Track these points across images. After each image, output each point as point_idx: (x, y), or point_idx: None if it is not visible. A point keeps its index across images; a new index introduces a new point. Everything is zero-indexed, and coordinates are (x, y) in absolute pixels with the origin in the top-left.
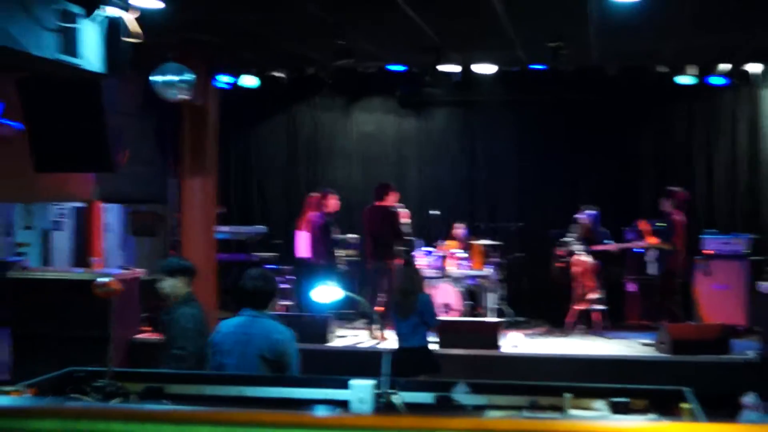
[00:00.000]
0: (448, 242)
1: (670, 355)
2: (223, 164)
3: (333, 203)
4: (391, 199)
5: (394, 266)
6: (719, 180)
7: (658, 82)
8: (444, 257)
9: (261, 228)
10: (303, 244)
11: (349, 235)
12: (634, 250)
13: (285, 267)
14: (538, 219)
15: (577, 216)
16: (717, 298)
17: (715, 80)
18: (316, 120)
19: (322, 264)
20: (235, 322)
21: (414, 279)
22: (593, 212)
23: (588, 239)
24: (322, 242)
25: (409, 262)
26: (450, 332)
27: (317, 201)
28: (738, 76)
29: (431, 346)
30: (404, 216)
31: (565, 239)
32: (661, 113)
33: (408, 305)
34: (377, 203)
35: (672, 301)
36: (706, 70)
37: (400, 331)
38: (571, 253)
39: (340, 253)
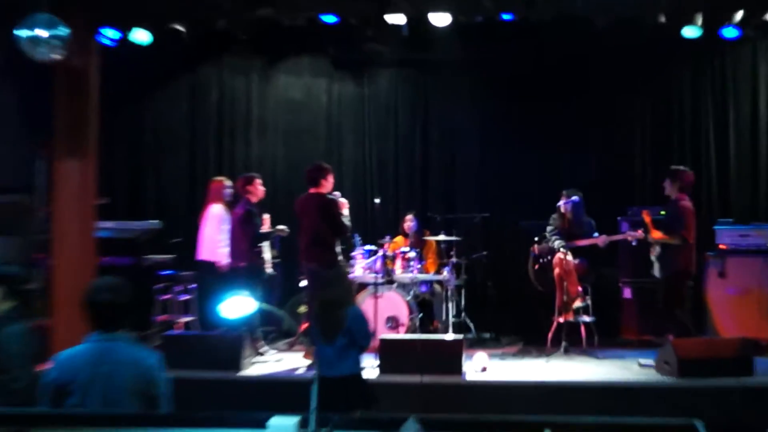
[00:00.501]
0: (394, 239)
1: (676, 378)
2: (107, 143)
3: (261, 190)
4: (328, 185)
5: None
6: (735, 157)
7: (657, 35)
8: (389, 258)
9: (154, 223)
10: (208, 243)
11: (280, 227)
12: (633, 243)
13: (185, 273)
14: (508, 208)
15: (559, 204)
16: (735, 305)
17: (728, 32)
18: (227, 86)
19: (241, 268)
20: (84, 353)
21: (341, 287)
22: (575, 198)
23: (570, 232)
24: (244, 240)
25: (333, 264)
26: (396, 354)
27: (242, 185)
28: (756, 26)
29: (365, 374)
30: (342, 206)
31: (543, 234)
32: (661, 74)
33: (333, 322)
34: (312, 190)
35: (681, 310)
36: (717, 20)
37: (324, 355)
38: (551, 251)
39: (267, 253)
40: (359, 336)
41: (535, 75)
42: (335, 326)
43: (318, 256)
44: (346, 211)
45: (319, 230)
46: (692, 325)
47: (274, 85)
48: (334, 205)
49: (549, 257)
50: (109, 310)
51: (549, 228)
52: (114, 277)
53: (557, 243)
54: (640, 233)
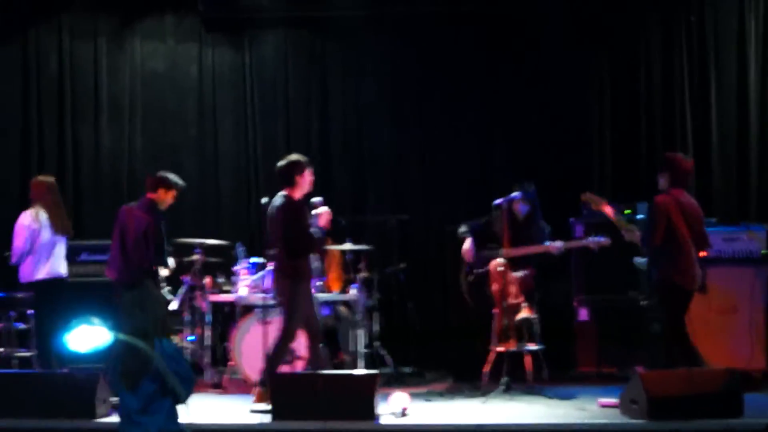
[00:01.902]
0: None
1: (645, 421)
2: None
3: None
4: (305, 184)
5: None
6: (719, 139)
7: None
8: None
9: None
10: (56, 257)
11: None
12: (595, 250)
13: (19, 294)
14: (432, 207)
15: (498, 201)
16: (718, 328)
17: None
18: (68, 54)
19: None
20: None
21: (149, 313)
22: (522, 193)
23: (517, 237)
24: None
25: (137, 282)
26: (293, 395)
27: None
28: None
29: None
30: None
31: (464, 229)
32: (624, 36)
33: (137, 362)
34: (287, 191)
35: (669, 338)
36: None
37: (125, 407)
38: (486, 260)
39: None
40: (174, 380)
41: (461, 34)
42: (140, 367)
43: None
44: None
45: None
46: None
47: (128, 52)
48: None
49: (485, 267)
50: None
51: (462, 228)
52: None
53: (493, 252)
54: (606, 240)
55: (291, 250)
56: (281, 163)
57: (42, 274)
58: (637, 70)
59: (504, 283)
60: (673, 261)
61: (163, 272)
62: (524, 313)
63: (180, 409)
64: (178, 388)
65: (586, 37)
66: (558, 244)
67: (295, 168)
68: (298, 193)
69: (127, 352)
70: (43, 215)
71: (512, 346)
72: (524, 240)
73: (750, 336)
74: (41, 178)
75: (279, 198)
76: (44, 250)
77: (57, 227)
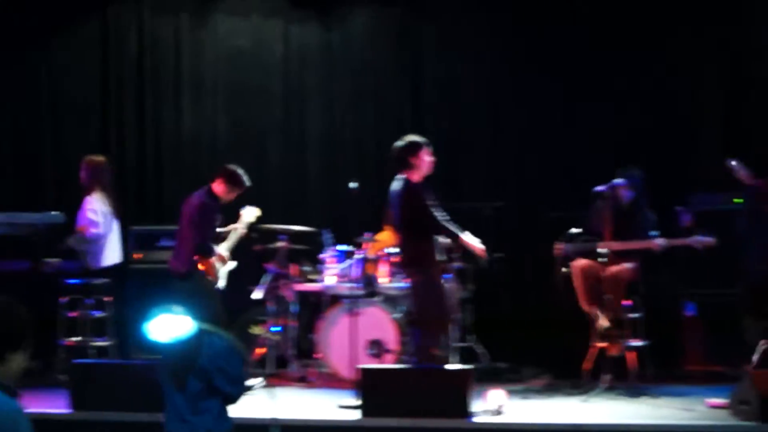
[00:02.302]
0: (379, 236)
1: (757, 423)
2: None
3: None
4: (424, 166)
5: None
6: None
7: None
8: (370, 262)
9: (56, 215)
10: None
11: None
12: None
13: (98, 281)
14: (530, 195)
15: (600, 188)
16: None
17: None
18: (149, 31)
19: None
20: None
21: (198, 306)
22: (630, 179)
23: (620, 230)
24: (197, 238)
25: (188, 272)
26: (383, 391)
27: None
28: None
29: None
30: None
31: (575, 230)
32: (724, 27)
33: (182, 359)
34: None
35: None
36: None
37: (172, 405)
38: (580, 253)
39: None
40: (222, 380)
41: (570, 7)
42: (185, 364)
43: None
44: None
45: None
46: None
47: (211, 30)
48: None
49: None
50: None
51: (573, 230)
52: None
53: (592, 243)
54: (711, 240)
55: (415, 234)
56: (395, 145)
57: (114, 258)
58: (746, 56)
59: (606, 280)
60: None
61: (218, 263)
62: (602, 322)
63: (229, 408)
64: (225, 388)
65: (701, 20)
66: (660, 241)
67: (408, 150)
68: (416, 176)
69: (168, 349)
70: (106, 198)
71: (615, 352)
72: (628, 230)
73: None
74: (96, 158)
75: (397, 182)
76: (113, 234)
77: (116, 210)
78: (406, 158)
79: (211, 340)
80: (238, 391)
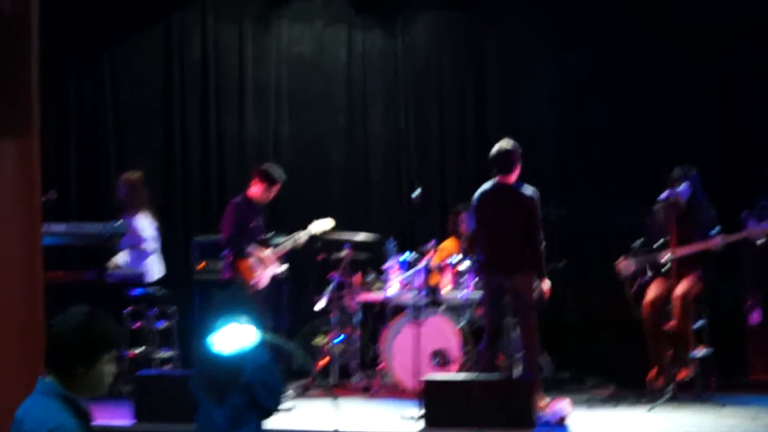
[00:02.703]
0: (443, 244)
1: None
2: (54, 116)
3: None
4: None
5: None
6: None
7: None
8: (434, 270)
9: (120, 225)
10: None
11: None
12: (759, 243)
13: (161, 291)
14: (595, 201)
15: (663, 196)
16: None
17: None
18: (213, 37)
19: (222, 281)
20: (25, 404)
21: (236, 315)
22: (685, 178)
23: (681, 232)
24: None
25: (228, 280)
26: (447, 401)
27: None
28: None
29: None
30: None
31: (637, 243)
32: None
33: (228, 373)
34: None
35: None
36: None
37: (208, 421)
38: (647, 266)
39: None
40: (263, 394)
41: (641, 14)
42: (226, 379)
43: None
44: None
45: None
46: None
47: (275, 36)
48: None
49: (650, 274)
50: (59, 352)
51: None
52: (85, 308)
53: (657, 255)
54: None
55: (539, 240)
56: (503, 147)
57: (159, 273)
58: None
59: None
60: None
61: (258, 264)
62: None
63: (267, 421)
64: (265, 402)
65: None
66: (718, 239)
67: (517, 154)
68: (512, 180)
69: (212, 362)
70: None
71: (684, 375)
72: (690, 231)
73: None
74: (134, 175)
75: (498, 185)
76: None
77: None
78: (515, 161)
79: (254, 352)
80: (276, 404)
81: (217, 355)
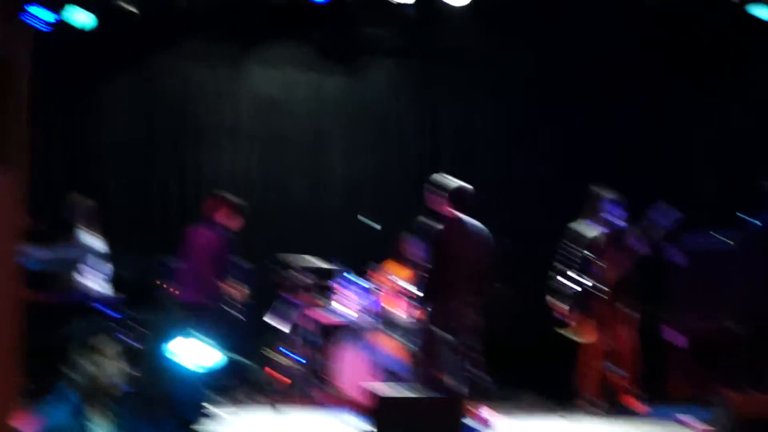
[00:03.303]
0: (388, 265)
1: None
2: (40, 150)
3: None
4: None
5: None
6: None
7: (724, 15)
8: (384, 292)
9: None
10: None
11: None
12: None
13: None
14: (532, 231)
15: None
16: None
17: None
18: (189, 79)
19: (208, 306)
20: None
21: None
22: (612, 205)
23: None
24: (217, 273)
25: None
26: (395, 416)
27: (215, 207)
28: None
29: None
30: None
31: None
32: (728, 64)
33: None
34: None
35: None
36: None
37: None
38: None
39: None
40: (184, 408)
41: (569, 69)
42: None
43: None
44: None
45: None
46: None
47: (247, 78)
48: None
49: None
50: None
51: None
52: None
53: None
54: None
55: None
56: (470, 188)
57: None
58: (750, 98)
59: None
60: None
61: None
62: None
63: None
64: (185, 413)
65: (693, 78)
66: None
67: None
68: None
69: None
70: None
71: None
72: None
73: None
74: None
75: (476, 224)
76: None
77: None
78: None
79: (176, 366)
80: (193, 416)
81: (177, 369)
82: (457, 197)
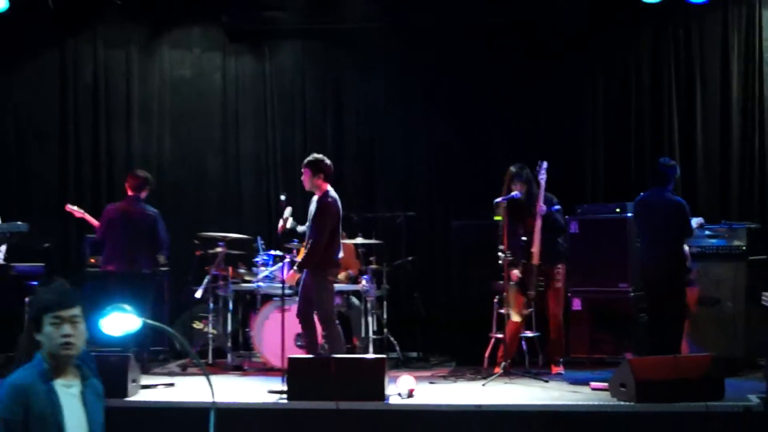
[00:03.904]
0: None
1: (633, 403)
2: None
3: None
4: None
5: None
6: (704, 143)
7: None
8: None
9: (20, 225)
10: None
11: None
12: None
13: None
14: (437, 205)
15: (499, 200)
16: (703, 317)
17: None
18: (102, 62)
19: (144, 274)
20: None
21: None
22: (519, 176)
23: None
24: (150, 242)
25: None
26: (308, 377)
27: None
28: None
29: None
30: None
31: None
32: (615, 47)
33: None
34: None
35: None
36: None
37: None
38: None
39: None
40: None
41: (465, 45)
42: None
43: None
44: None
45: None
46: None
47: (158, 60)
48: None
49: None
50: None
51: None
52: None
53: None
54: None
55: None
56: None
57: None
58: (628, 79)
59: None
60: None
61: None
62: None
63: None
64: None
65: (582, 48)
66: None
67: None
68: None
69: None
70: None
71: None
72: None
73: (730, 324)
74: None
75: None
76: None
77: None
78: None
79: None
80: None
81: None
82: (327, 169)
